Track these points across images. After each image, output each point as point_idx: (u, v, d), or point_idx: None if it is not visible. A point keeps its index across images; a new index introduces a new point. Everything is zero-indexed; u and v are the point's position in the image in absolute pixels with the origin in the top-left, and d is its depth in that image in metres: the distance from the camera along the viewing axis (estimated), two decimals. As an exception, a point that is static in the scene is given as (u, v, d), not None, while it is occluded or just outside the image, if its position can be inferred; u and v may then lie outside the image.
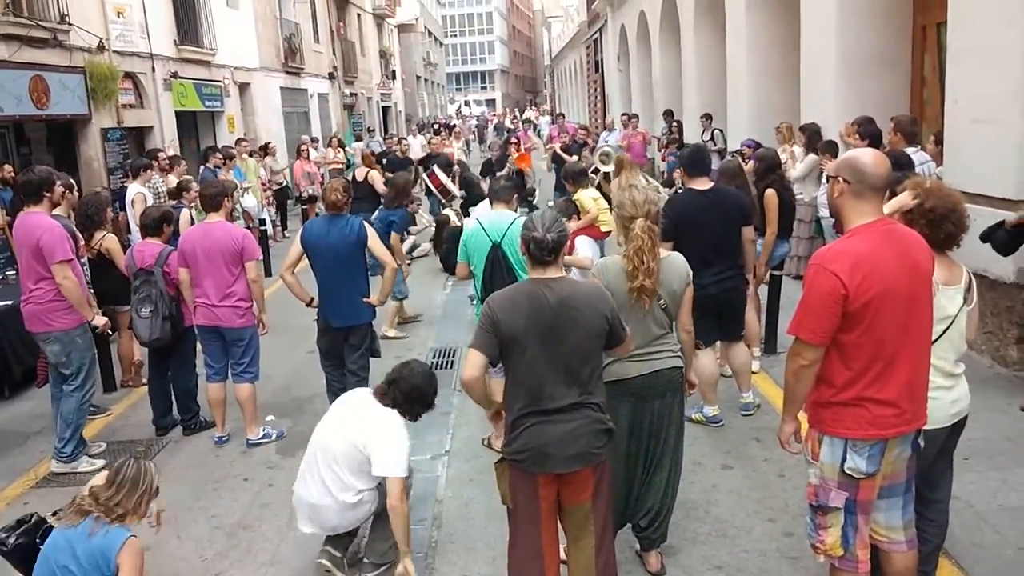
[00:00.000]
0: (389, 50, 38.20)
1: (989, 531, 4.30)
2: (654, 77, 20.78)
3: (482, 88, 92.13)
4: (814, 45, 10.07)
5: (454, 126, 27.44)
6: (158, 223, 6.38)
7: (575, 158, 14.09)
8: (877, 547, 3.36)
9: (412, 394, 4.20)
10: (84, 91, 12.55)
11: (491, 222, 5.52)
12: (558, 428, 3.31)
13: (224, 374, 6.25)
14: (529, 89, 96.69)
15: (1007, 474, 4.85)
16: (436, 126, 24.23)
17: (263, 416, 6.54)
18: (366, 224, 5.89)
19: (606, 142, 15.90)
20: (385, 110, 38.11)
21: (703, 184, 5.62)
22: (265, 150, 15.88)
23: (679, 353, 4.07)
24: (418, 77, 53.20)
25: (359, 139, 22.02)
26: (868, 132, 7.37)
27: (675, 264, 4.06)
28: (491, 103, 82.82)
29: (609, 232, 7.40)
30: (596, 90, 33.57)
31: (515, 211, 5.83)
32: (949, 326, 3.38)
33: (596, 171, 11.58)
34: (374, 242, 5.79)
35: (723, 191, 5.73)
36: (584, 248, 7.02)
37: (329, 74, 26.57)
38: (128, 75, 13.91)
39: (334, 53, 27.26)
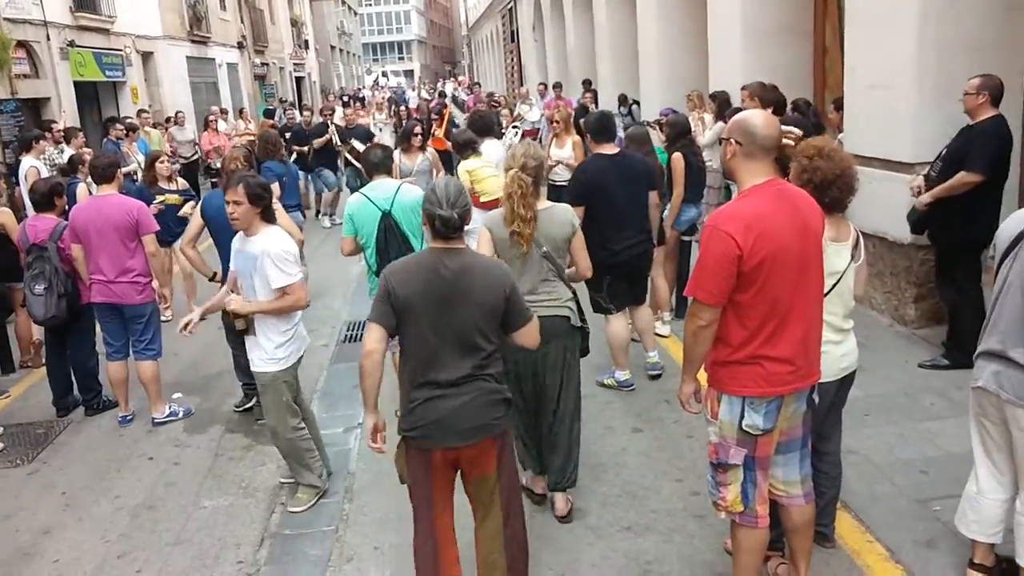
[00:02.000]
0: (300, 19, 37.26)
1: (886, 483, 4.45)
2: (568, 47, 20.77)
3: (399, 59, 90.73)
4: (720, 15, 10.19)
5: (362, 97, 26.90)
6: (48, 196, 6.10)
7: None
8: (776, 502, 3.44)
9: None
10: (-27, 61, 11.88)
11: (376, 193, 5.46)
12: (451, 402, 3.24)
13: (125, 352, 6.04)
14: (447, 60, 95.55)
15: (903, 428, 5.03)
16: (345, 98, 23.65)
17: (169, 394, 6.37)
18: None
19: (525, 118, 15.77)
20: (299, 80, 37.25)
21: (610, 149, 5.65)
22: (174, 121, 15.32)
23: (567, 303, 4.21)
24: (332, 47, 52.15)
25: (270, 113, 21.19)
26: (771, 99, 7.51)
27: (557, 213, 4.24)
28: (409, 74, 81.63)
29: (493, 201, 6.74)
30: (513, 60, 33.41)
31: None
32: (837, 282, 3.46)
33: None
34: (281, 216, 5.59)
35: (629, 156, 5.79)
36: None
37: (238, 43, 25.81)
38: (21, 44, 13.22)
39: (242, 21, 26.44)
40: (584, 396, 4.64)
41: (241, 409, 6.10)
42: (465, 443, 3.29)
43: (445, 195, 3.27)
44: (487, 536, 3.46)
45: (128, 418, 6.10)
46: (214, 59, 23.25)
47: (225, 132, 16.27)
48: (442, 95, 25.52)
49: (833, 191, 3.43)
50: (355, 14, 69.18)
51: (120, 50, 16.74)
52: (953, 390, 5.35)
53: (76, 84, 15.00)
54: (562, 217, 4.25)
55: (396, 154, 8.80)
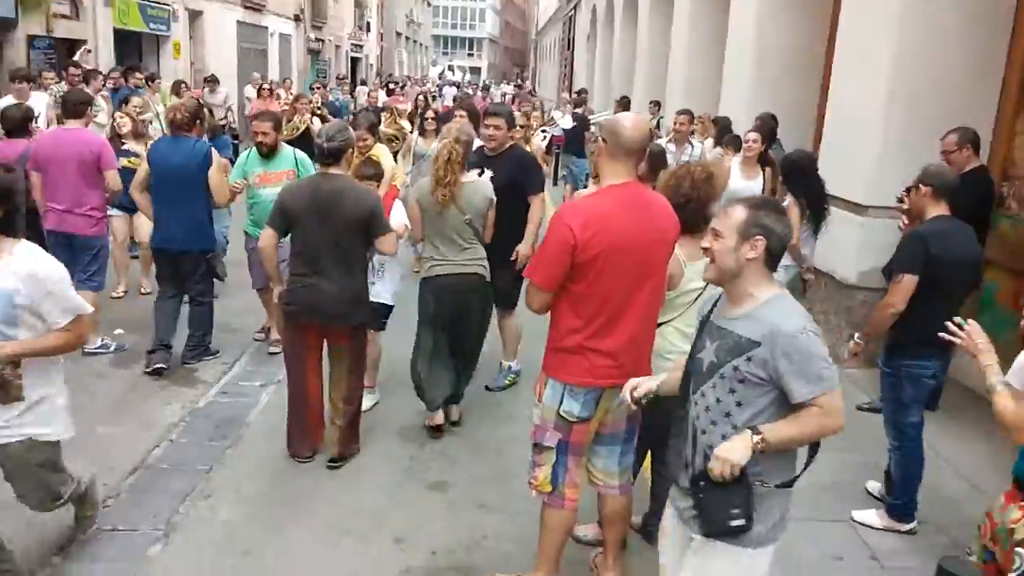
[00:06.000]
0: (365, 1, 37.70)
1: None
2: (614, 59, 20.83)
3: (468, 55, 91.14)
4: (736, 39, 10.19)
5: (404, 85, 26.98)
6: (21, 123, 6.29)
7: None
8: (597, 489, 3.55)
9: None
10: (12, -8, 12.19)
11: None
12: (321, 290, 4.39)
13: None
14: (518, 63, 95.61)
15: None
16: (391, 85, 23.79)
17: (113, 329, 6.55)
18: (214, 152, 5.87)
19: (557, 123, 15.61)
20: (355, 61, 37.68)
21: None
22: (208, 82, 15.55)
23: (481, 262, 4.93)
24: (399, 34, 52.63)
25: (318, 87, 21.20)
26: (766, 131, 7.49)
27: (479, 186, 4.86)
28: (476, 71, 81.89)
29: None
30: (566, 67, 33.54)
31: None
32: (697, 298, 3.50)
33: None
34: (213, 171, 5.78)
35: None
36: (397, 215, 5.37)
37: (295, 16, 26.20)
38: (65, -17, 13.60)
39: (303, -5, 26.87)
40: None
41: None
42: (327, 323, 4.51)
43: (327, 131, 4.51)
44: (336, 381, 4.70)
45: (63, 344, 6.28)
46: (267, 27, 23.63)
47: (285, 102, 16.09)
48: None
49: (687, 212, 3.45)
50: (428, 4, 69.72)
51: (167, 4, 17.12)
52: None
53: (118, 32, 15.37)
54: (483, 191, 4.88)
55: (414, 136, 8.96)
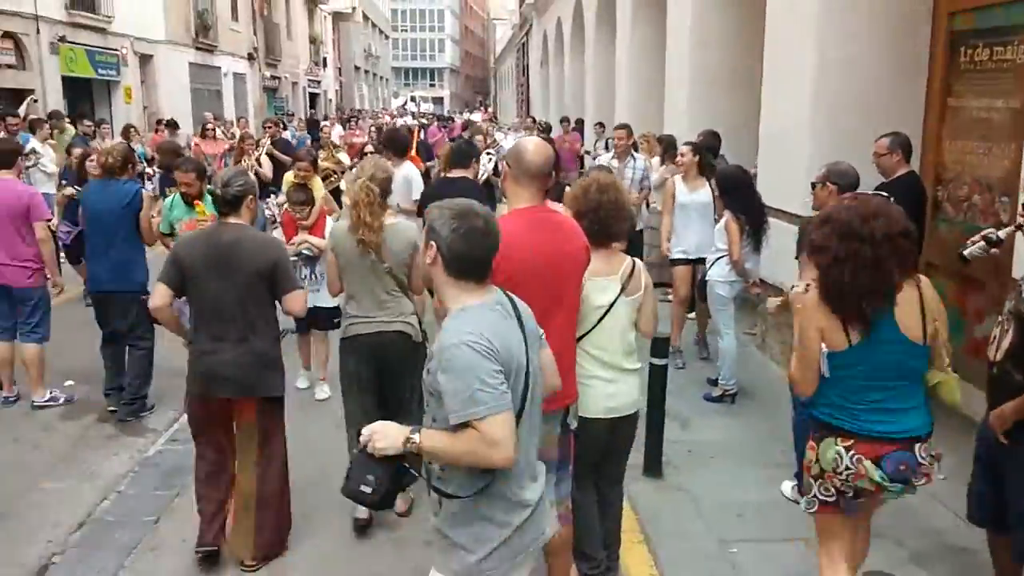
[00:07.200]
0: (319, 37, 37.87)
1: (700, 523, 4.51)
2: (565, 83, 21.10)
3: (431, 85, 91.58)
4: (674, 59, 10.38)
5: (357, 119, 27.03)
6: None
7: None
8: None
9: None
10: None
11: None
12: (223, 355, 3.83)
13: (12, 333, 6.17)
14: (479, 90, 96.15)
15: (743, 473, 5.07)
16: (344, 116, 23.92)
17: (62, 380, 6.49)
18: (144, 193, 5.90)
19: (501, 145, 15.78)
20: (313, 96, 37.78)
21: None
22: (163, 124, 15.52)
23: (408, 318, 4.28)
24: (357, 68, 52.87)
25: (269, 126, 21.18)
26: (703, 146, 7.60)
27: (400, 229, 4.27)
28: (439, 101, 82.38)
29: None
30: (523, 93, 33.84)
31: None
32: (603, 315, 3.47)
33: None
34: (144, 213, 5.80)
35: None
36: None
37: (248, 55, 26.26)
38: (8, 35, 13.56)
39: (255, 34, 26.93)
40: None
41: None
42: (229, 395, 3.90)
43: (223, 177, 3.96)
44: (244, 468, 4.05)
45: (11, 399, 6.23)
46: (220, 67, 23.67)
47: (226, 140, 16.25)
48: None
49: (591, 225, 3.44)
50: (386, 37, 70.22)
51: (116, 50, 17.11)
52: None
53: (68, 79, 15.34)
54: (405, 234, 4.28)
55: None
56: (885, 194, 4.27)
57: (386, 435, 2.40)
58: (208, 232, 3.97)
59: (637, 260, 3.67)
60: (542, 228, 3.20)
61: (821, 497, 3.16)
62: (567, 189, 4.08)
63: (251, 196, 3.95)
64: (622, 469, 3.86)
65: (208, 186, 4.08)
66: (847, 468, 3.03)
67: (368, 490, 2.44)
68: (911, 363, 3.04)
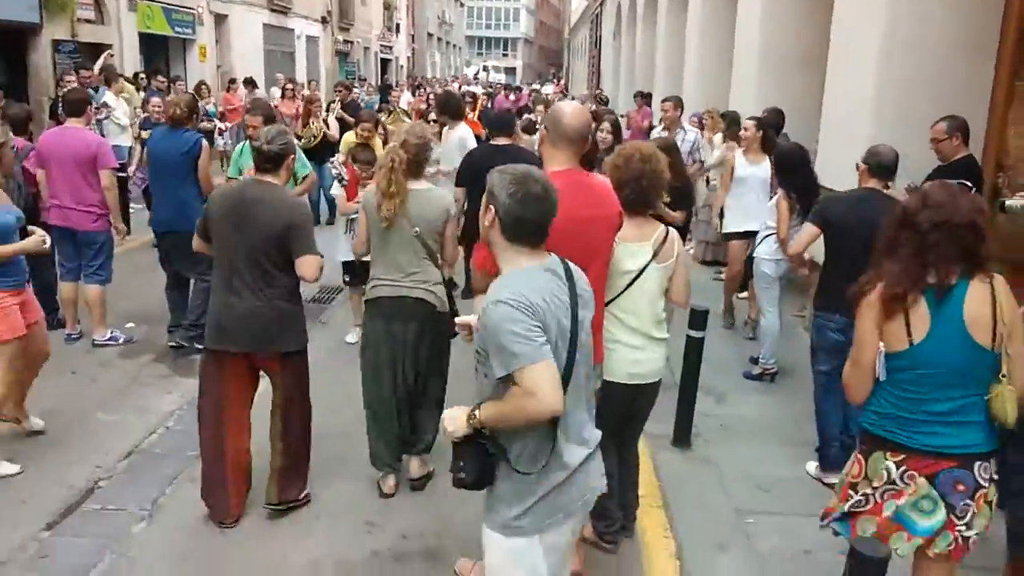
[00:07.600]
0: (393, 2, 38.04)
1: (721, 494, 4.54)
2: (637, 56, 20.85)
3: (503, 55, 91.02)
4: (743, 34, 10.22)
5: (425, 86, 27.10)
6: (25, 122, 6.55)
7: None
8: None
9: None
10: (37, -1, 12.54)
11: None
12: (239, 309, 3.83)
13: (76, 274, 6.47)
14: (552, 62, 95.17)
15: (774, 448, 5.08)
16: (415, 83, 24.08)
17: (124, 322, 6.79)
18: (204, 143, 6.16)
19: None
20: (385, 62, 38.02)
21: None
22: (236, 83, 15.85)
23: (433, 287, 4.21)
24: (430, 35, 52.99)
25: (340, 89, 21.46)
26: (767, 122, 7.51)
27: (433, 196, 4.24)
28: (511, 71, 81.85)
29: None
30: (594, 65, 33.55)
31: None
32: (633, 280, 3.49)
33: None
34: (203, 161, 6.08)
35: None
36: None
37: (322, 18, 26.55)
38: (89, -10, 13.99)
39: (330, -3, 27.23)
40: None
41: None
42: (244, 349, 3.90)
43: (266, 134, 3.95)
44: (272, 415, 4.10)
45: (73, 336, 6.53)
46: (293, 29, 23.99)
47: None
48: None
49: (626, 193, 3.45)
50: (461, 5, 70.06)
51: (192, 8, 17.48)
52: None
53: (144, 36, 15.74)
54: (439, 202, 4.24)
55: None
56: (964, 182, 4.26)
57: (453, 419, 2.48)
58: (240, 187, 4.02)
59: (671, 228, 3.69)
60: (576, 191, 3.20)
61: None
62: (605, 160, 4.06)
63: (291, 156, 3.95)
64: (638, 432, 3.93)
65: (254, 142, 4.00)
66: (890, 485, 2.81)
67: (462, 475, 2.51)
68: (976, 370, 2.72)
